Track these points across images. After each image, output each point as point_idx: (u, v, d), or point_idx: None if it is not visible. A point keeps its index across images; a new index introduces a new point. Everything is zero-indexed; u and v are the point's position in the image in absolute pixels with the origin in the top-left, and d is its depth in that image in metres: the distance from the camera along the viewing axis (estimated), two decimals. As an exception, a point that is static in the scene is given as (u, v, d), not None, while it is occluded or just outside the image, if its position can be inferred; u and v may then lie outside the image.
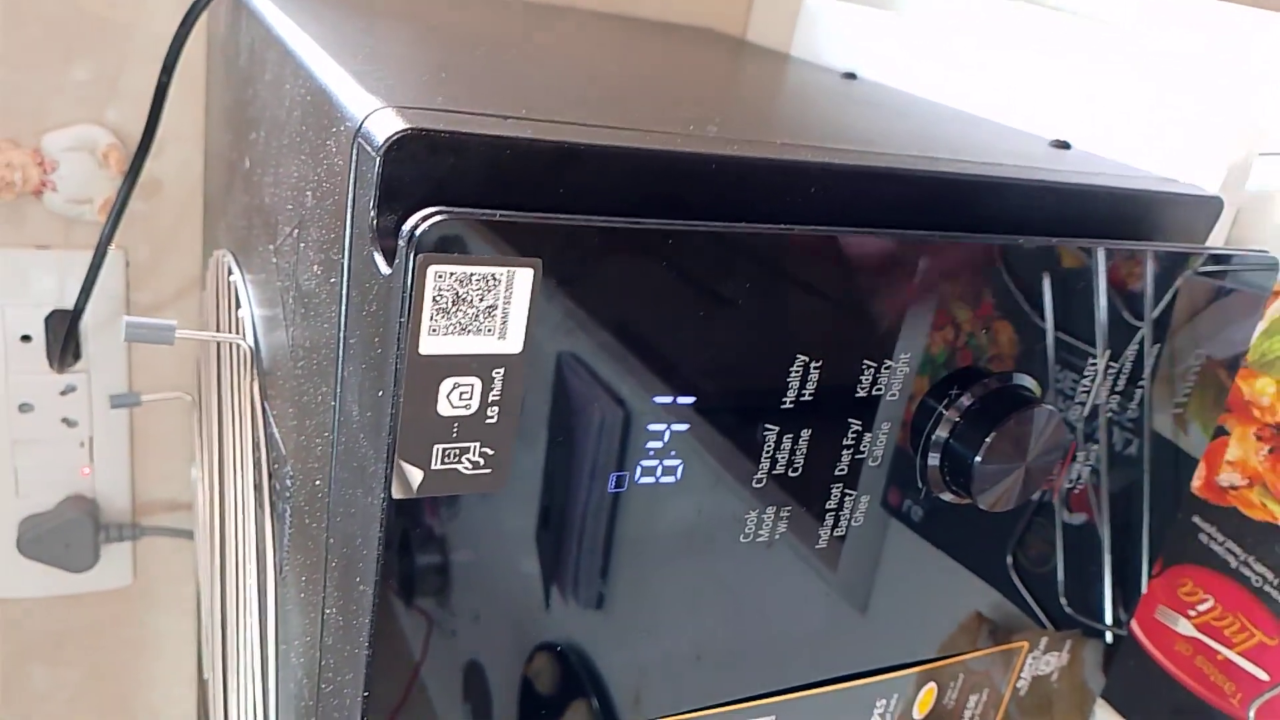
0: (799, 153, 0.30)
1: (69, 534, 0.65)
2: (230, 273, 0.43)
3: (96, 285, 0.56)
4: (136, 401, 0.59)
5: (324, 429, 0.30)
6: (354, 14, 0.42)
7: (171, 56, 0.53)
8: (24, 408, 0.63)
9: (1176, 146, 0.42)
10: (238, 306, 0.41)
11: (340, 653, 0.30)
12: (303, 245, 0.32)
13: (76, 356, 0.62)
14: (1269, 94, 0.44)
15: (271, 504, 0.37)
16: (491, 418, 0.25)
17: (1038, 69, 0.49)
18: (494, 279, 0.24)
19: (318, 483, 0.31)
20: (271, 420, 0.37)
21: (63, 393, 0.63)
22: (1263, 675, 0.45)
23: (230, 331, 0.41)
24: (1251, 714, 0.44)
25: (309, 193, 0.31)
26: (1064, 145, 0.42)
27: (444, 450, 0.25)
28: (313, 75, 0.31)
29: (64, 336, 0.59)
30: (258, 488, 0.38)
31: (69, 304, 0.60)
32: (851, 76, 0.53)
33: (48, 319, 0.61)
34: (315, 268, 0.30)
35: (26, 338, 0.61)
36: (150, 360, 0.66)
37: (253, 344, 0.39)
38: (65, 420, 0.64)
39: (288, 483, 0.35)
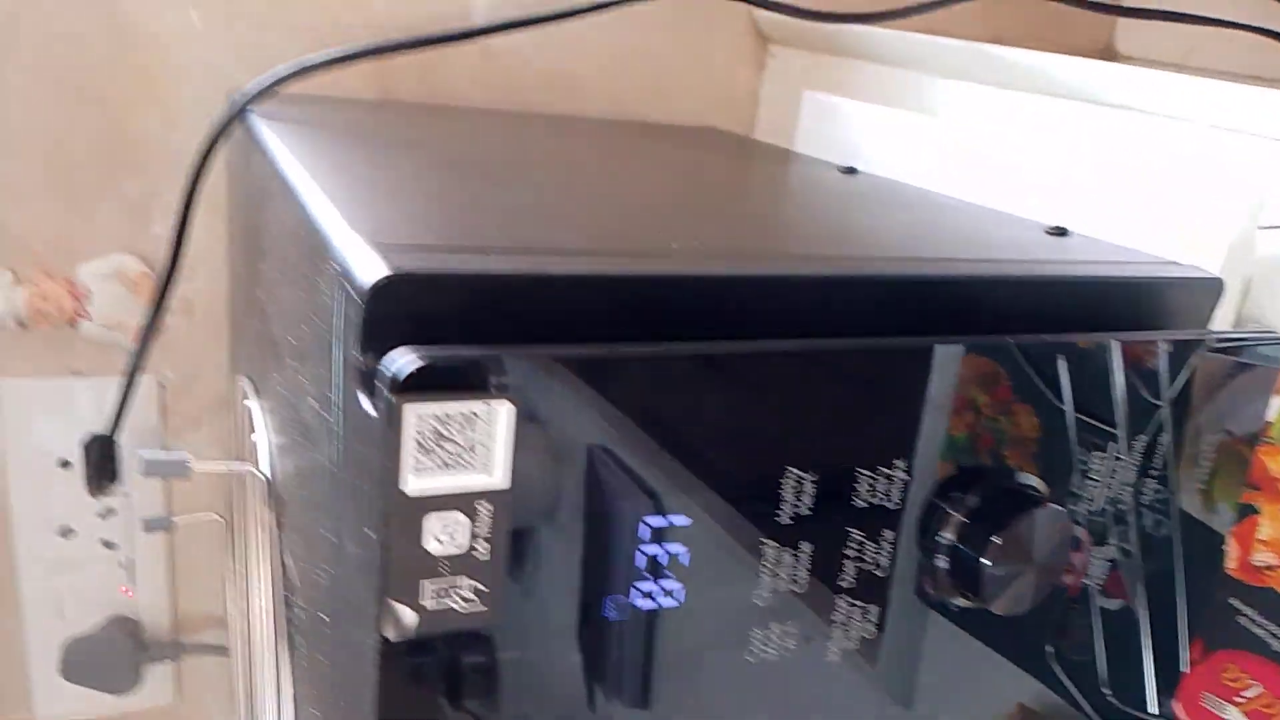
0: (784, 266, 0.31)
1: (112, 656, 0.65)
2: (245, 397, 0.44)
3: (131, 409, 0.58)
4: (169, 525, 0.60)
5: (324, 562, 0.30)
6: (356, 143, 0.44)
7: (190, 186, 0.55)
8: (65, 532, 0.64)
9: (1175, 226, 0.42)
10: (252, 432, 0.42)
11: (348, 789, 0.29)
12: (301, 378, 0.32)
13: (115, 480, 0.64)
14: (1266, 168, 0.43)
15: (288, 634, 0.37)
16: (482, 553, 0.26)
17: (1034, 154, 0.49)
18: (473, 415, 0.24)
19: (321, 615, 0.31)
20: (286, 549, 0.38)
21: (102, 516, 0.64)
22: (1320, 764, 0.42)
23: (247, 458, 0.42)
24: (1310, 807, 0.42)
25: (305, 326, 0.31)
26: (1061, 232, 0.42)
27: (435, 588, 0.25)
28: (307, 211, 0.32)
29: (100, 462, 0.61)
30: (275, 616, 0.38)
31: (106, 429, 0.61)
32: (851, 171, 0.54)
33: (86, 445, 0.63)
34: (312, 401, 0.31)
35: (66, 463, 0.63)
36: (187, 480, 0.67)
37: (267, 472, 0.40)
38: (105, 543, 0.65)
39: (298, 612, 0.35)
